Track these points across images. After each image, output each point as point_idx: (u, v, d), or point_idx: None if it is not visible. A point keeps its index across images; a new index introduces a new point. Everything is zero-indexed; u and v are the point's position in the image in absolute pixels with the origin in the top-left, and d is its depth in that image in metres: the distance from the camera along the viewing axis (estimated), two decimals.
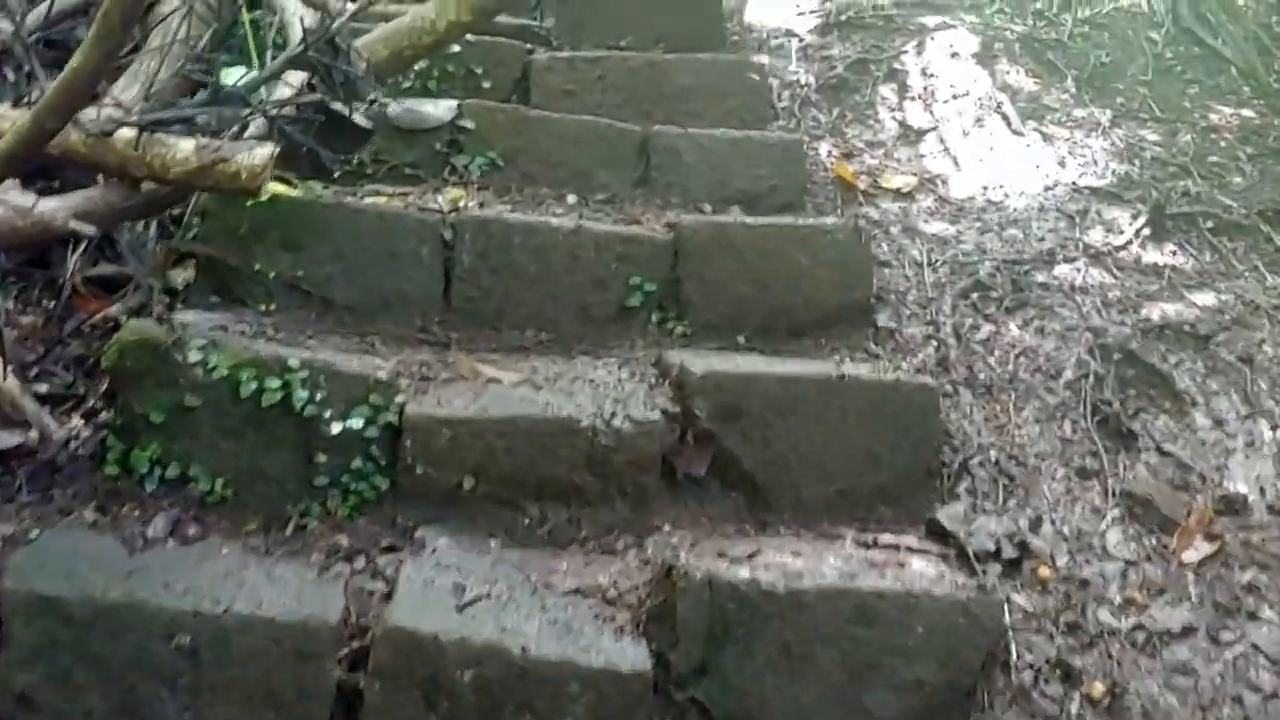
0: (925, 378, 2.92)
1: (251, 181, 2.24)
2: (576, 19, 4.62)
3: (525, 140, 3.74)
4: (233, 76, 2.73)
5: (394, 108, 3.66)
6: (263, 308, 3.02)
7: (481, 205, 3.43)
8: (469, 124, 3.71)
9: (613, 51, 4.45)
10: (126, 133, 2.27)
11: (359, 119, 2.56)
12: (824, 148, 4.13)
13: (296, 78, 2.61)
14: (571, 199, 3.69)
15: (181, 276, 3.03)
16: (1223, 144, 4.26)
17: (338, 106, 2.52)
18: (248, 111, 2.38)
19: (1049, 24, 4.81)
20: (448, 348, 3.04)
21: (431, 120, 3.68)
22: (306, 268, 3.06)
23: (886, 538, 2.61)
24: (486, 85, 4.13)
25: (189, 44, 2.64)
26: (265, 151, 2.26)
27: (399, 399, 2.61)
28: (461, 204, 3.40)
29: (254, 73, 2.58)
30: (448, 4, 3.18)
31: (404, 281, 3.12)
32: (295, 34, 3.10)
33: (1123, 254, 3.63)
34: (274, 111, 2.38)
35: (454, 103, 3.76)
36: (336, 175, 3.07)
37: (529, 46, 4.32)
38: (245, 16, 2.90)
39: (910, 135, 4.25)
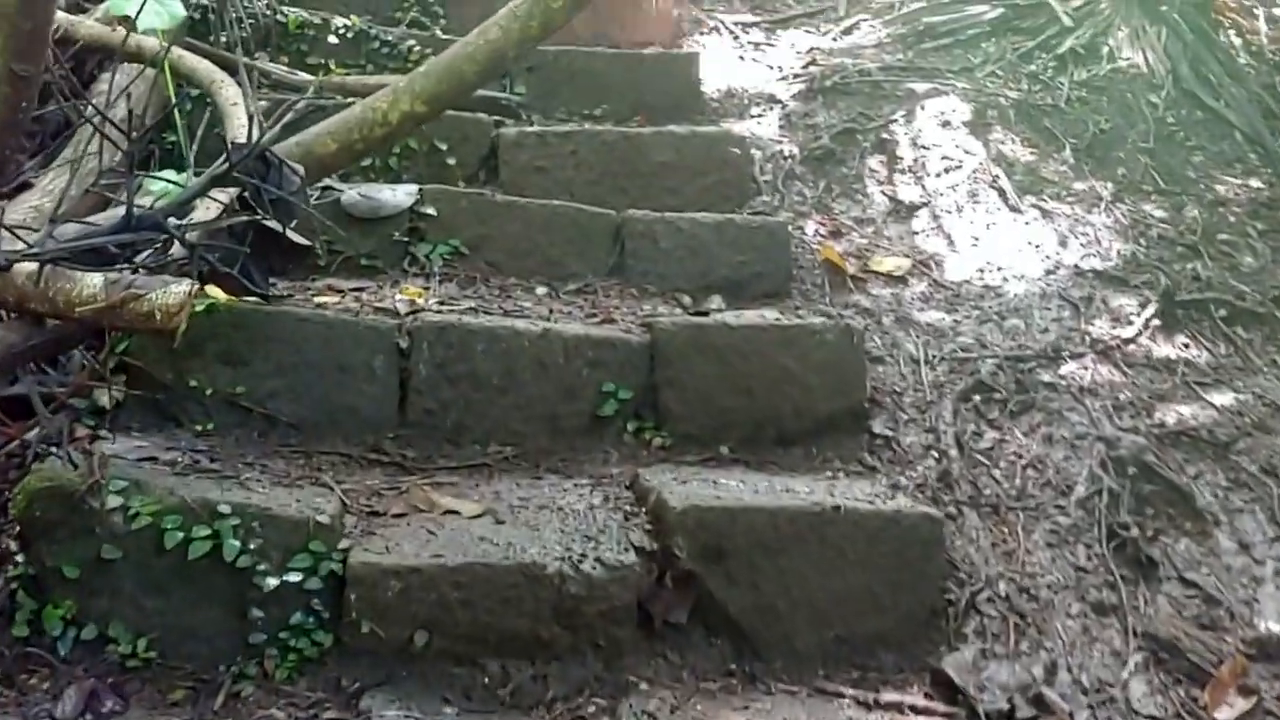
0: (928, 507, 2.66)
1: (167, 322, 1.97)
2: (548, 87, 4.38)
3: (491, 227, 3.49)
4: (157, 187, 2.47)
5: (348, 194, 3.40)
6: (199, 428, 2.75)
7: (442, 303, 3.17)
8: (430, 210, 3.46)
9: (586, 124, 4.21)
10: (28, 265, 2.01)
11: (295, 236, 2.30)
12: (810, 226, 3.88)
13: (229, 190, 2.35)
14: (541, 290, 3.44)
15: (109, 394, 2.76)
16: (1231, 219, 4.03)
17: (271, 223, 2.26)
18: (165, 239, 2.11)
19: (1044, 88, 4.58)
20: (403, 468, 2.78)
21: (389, 207, 3.42)
22: (247, 383, 2.80)
23: (889, 695, 2.35)
24: (451, 162, 3.88)
25: (116, 149, 2.38)
26: (182, 290, 1.99)
27: (343, 545, 2.34)
28: (421, 301, 3.14)
29: (178, 187, 2.32)
30: (400, 95, 2.93)
31: (355, 396, 2.85)
32: (237, 122, 2.84)
33: (1132, 348, 3.39)
34: (194, 238, 2.12)
35: (414, 187, 3.51)
36: (271, 295, 2.81)
37: (497, 119, 4.07)
38: (176, 114, 2.64)
39: (901, 211, 4.01)
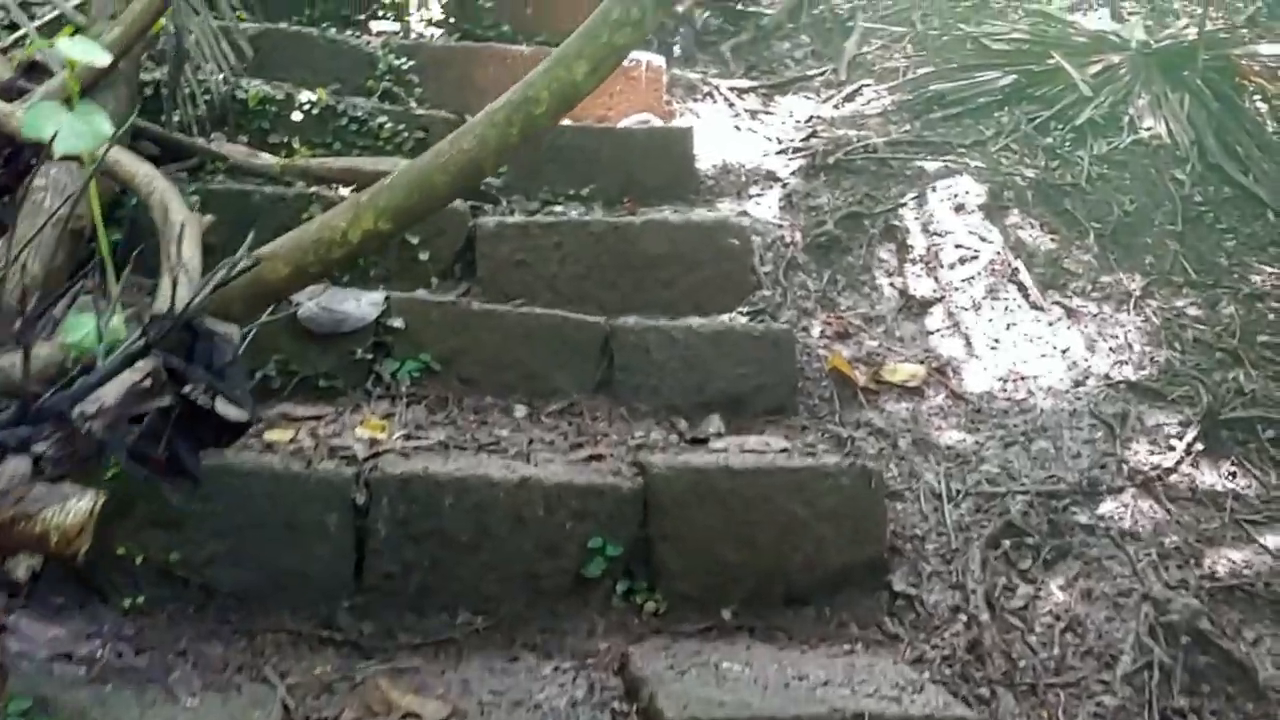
0: (964, 709, 2.29)
1: (65, 546, 1.62)
2: (532, 166, 4.02)
3: (466, 339, 3.13)
4: (74, 335, 2.10)
5: (307, 307, 3.04)
6: (127, 603, 2.40)
7: (408, 436, 2.81)
8: (398, 322, 3.10)
9: (573, 209, 3.86)
10: None
11: (229, 411, 1.93)
12: (815, 327, 3.53)
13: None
14: (520, 410, 3.08)
15: (25, 565, 2.38)
16: (1271, 315, 3.69)
17: (200, 399, 1.90)
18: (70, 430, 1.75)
19: (1062, 163, 4.23)
20: (358, 649, 2.42)
21: (353, 320, 3.06)
22: (183, 549, 2.43)
23: None
24: (424, 257, 3.52)
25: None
26: (83, 507, 1.63)
27: None
28: (383, 436, 2.77)
29: (110, 333, 1.96)
30: (363, 211, 2.57)
31: (305, 559, 2.49)
32: (167, 269, 2.48)
33: (1174, 478, 3.05)
34: (101, 428, 1.75)
35: (380, 296, 3.15)
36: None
37: (475, 205, 3.71)
38: (102, 242, 2.27)
39: (913, 307, 3.66)
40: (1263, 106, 4.67)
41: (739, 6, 5.38)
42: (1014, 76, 4.56)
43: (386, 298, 3.14)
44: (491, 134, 2.57)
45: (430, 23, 4.73)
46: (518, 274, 3.52)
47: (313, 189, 3.57)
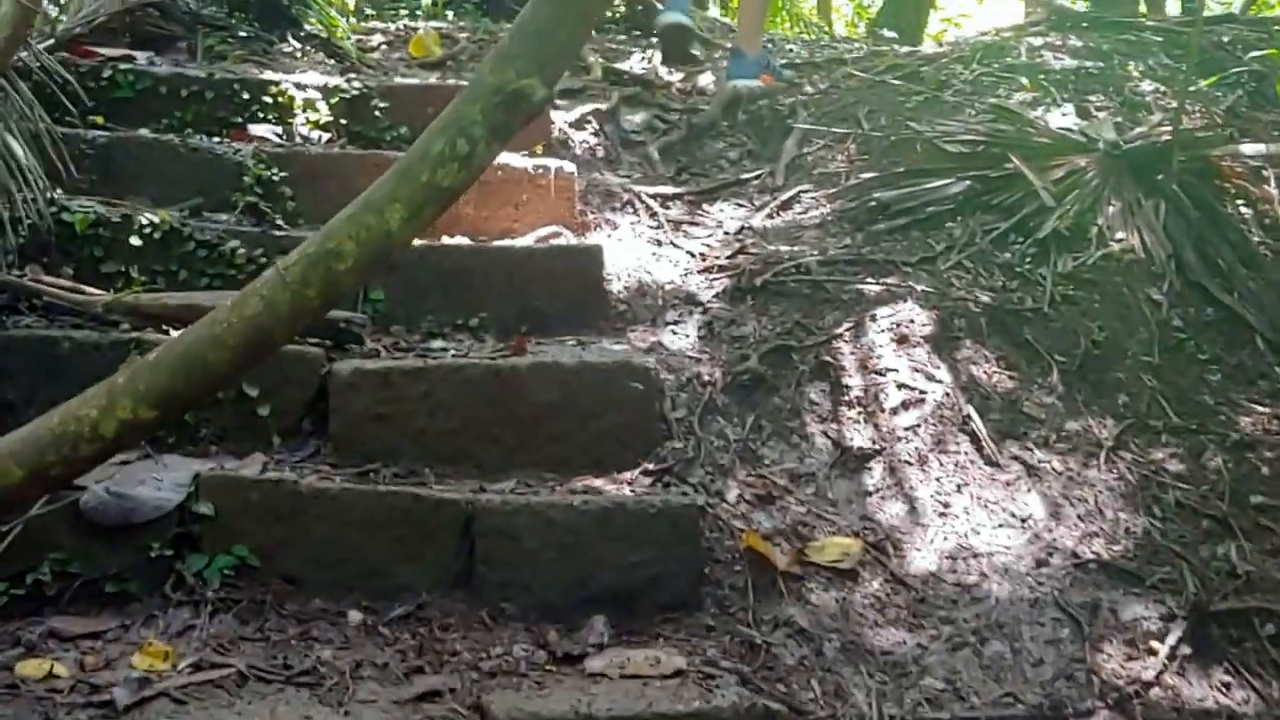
0: None
1: None
2: (413, 293, 3.47)
3: (293, 526, 2.55)
4: None
5: (92, 493, 2.45)
6: None
7: (197, 666, 2.22)
8: (207, 508, 2.52)
9: (450, 351, 3.29)
10: None
11: None
12: (733, 490, 2.97)
13: None
14: (355, 616, 2.50)
15: None
16: (1264, 469, 3.13)
17: None
18: None
19: (1022, 284, 3.69)
20: None
21: (148, 508, 2.48)
22: None
23: None
24: (264, 413, 2.95)
25: None
26: None
27: None
28: (165, 665, 2.18)
29: None
30: (118, 397, 2.00)
31: None
32: None
33: (1155, 692, 2.49)
34: None
35: (188, 474, 2.57)
36: None
37: (334, 346, 3.14)
38: None
39: (849, 462, 3.09)
40: (1246, 212, 4.15)
41: (667, 101, 4.85)
42: (968, 183, 4.02)
43: (195, 476, 2.56)
44: (282, 297, 2.01)
45: (317, 125, 4.18)
46: (378, 430, 2.95)
47: (136, 333, 3.01)
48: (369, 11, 7.42)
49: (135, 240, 3.35)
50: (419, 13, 7.56)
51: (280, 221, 3.65)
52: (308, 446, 2.96)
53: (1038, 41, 5.31)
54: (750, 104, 4.80)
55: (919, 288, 3.58)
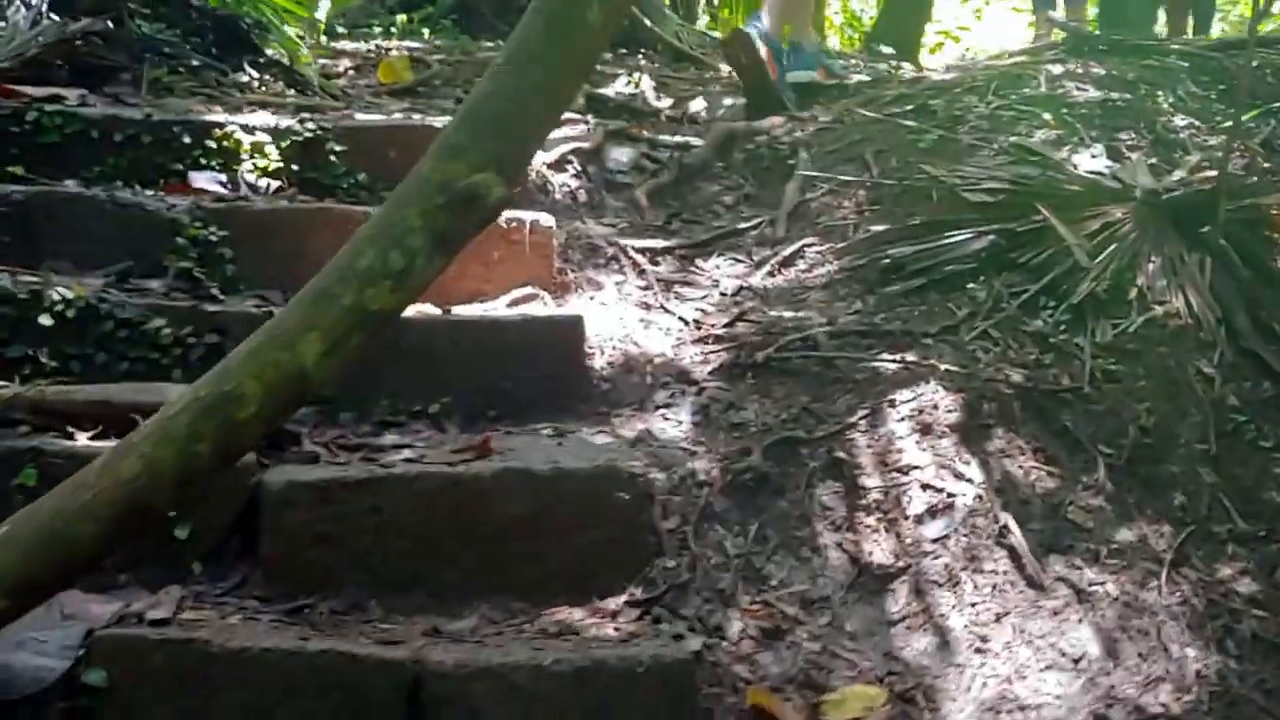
0: None
1: None
2: (364, 373, 2.99)
3: (205, 696, 2.08)
4: None
5: None
6: None
7: None
8: (100, 677, 2.03)
9: (405, 442, 2.82)
10: None
11: None
12: (734, 623, 2.50)
13: None
14: None
15: None
16: None
17: None
18: None
19: (1057, 357, 3.22)
20: None
21: (25, 681, 2.00)
22: None
23: None
24: (182, 535, 2.48)
25: None
26: None
27: None
28: None
29: None
30: None
31: None
32: None
33: None
34: None
35: (79, 632, 2.08)
36: None
37: (269, 445, 2.66)
38: None
39: (869, 583, 2.64)
40: None
41: (655, 136, 4.37)
42: (991, 237, 3.55)
43: (88, 635, 2.07)
44: (166, 454, 1.56)
45: (266, 172, 3.69)
46: (317, 554, 2.49)
47: (38, 438, 2.53)
48: (340, 30, 6.91)
49: (45, 319, 2.87)
50: (393, 29, 7.05)
51: (216, 291, 3.17)
52: (234, 574, 2.49)
53: (1057, 69, 4.83)
54: (747, 142, 4.32)
55: (942, 365, 3.10)
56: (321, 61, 5.64)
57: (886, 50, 8.21)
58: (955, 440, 2.93)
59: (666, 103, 5.60)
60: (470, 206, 1.58)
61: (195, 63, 4.75)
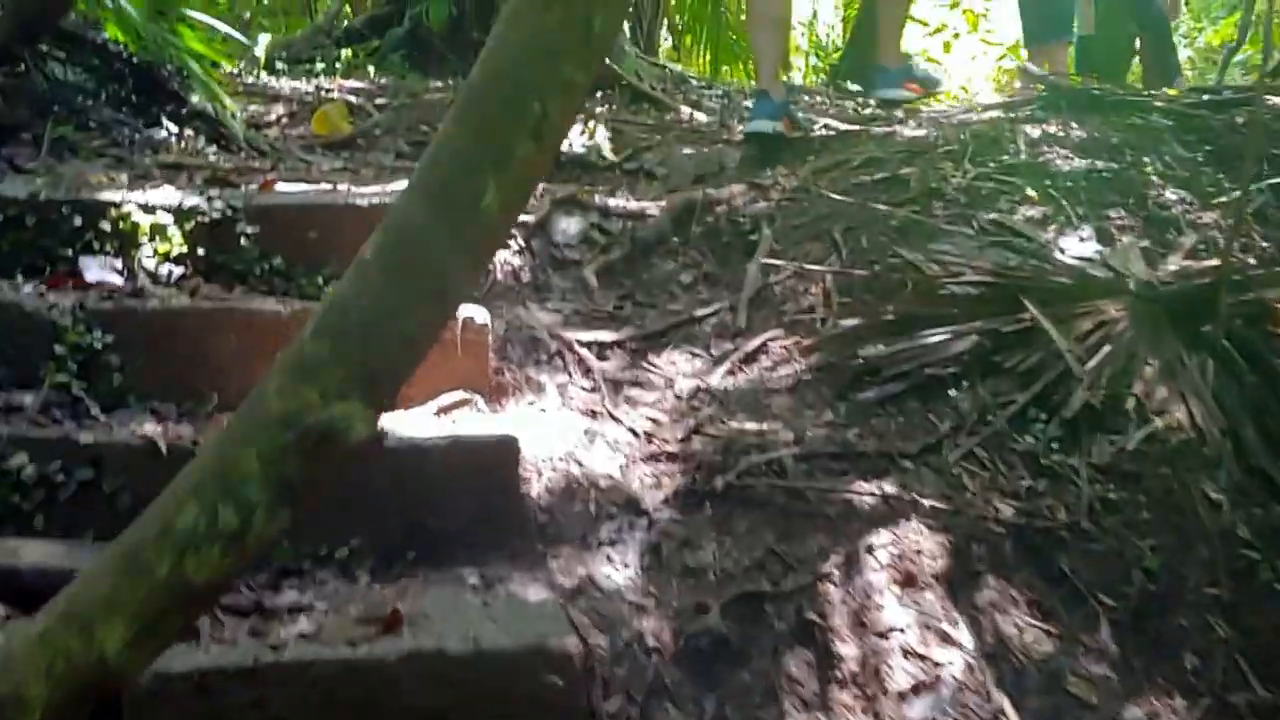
0: None
1: None
2: None
3: None
4: None
5: None
6: None
7: None
8: None
9: (305, 601, 2.39)
10: None
11: None
12: None
13: None
14: None
15: None
16: None
17: None
18: None
19: (1051, 483, 2.82)
20: None
21: None
22: None
23: None
24: None
25: None
26: None
27: None
28: None
29: None
30: None
31: None
32: None
33: None
34: None
35: None
36: None
37: None
38: None
39: None
40: None
41: (606, 204, 3.95)
42: (975, 337, 3.15)
43: None
44: None
45: (168, 258, 3.23)
46: None
47: None
48: (280, 65, 6.43)
49: None
50: (338, 64, 6.58)
51: (97, 413, 2.71)
52: None
53: (1035, 132, 4.44)
54: (706, 214, 3.90)
55: (925, 496, 2.70)
56: (253, 109, 5.18)
57: (853, 87, 7.83)
58: (941, 593, 2.52)
59: (623, 155, 5.19)
60: (326, 448, 1.16)
61: (107, 117, 4.27)
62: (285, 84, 6.01)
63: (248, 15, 9.06)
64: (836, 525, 2.66)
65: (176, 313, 2.96)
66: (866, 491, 2.72)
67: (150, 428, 2.74)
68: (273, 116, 5.17)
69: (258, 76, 6.27)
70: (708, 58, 9.24)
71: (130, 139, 4.21)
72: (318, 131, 4.93)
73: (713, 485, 2.76)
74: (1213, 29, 13.70)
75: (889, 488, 2.75)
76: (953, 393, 3.08)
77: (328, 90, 5.86)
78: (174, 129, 4.41)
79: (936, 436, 2.94)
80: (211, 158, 4.27)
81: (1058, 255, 3.53)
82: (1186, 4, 13.85)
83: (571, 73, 1.21)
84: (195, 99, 4.68)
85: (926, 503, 2.68)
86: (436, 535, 2.65)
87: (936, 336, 3.18)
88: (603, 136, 5.24)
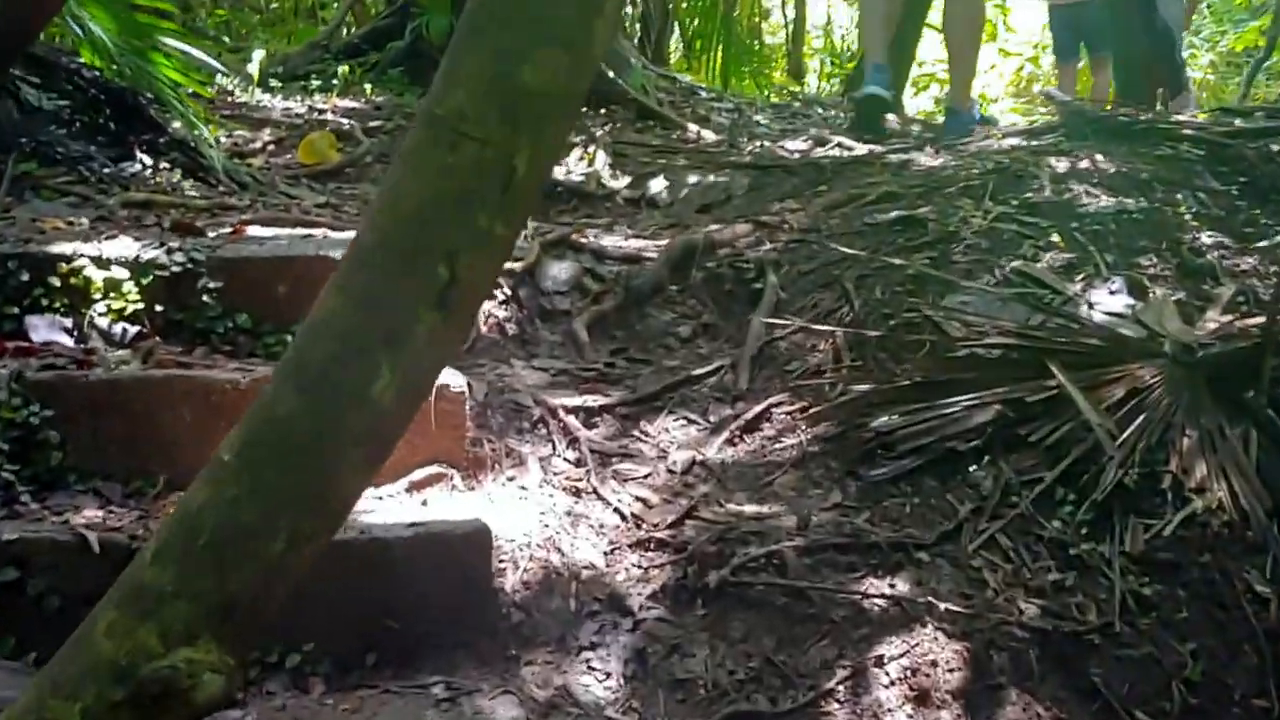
0: None
1: None
2: None
3: None
4: None
5: None
6: None
7: None
8: None
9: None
10: None
11: None
12: None
13: None
14: None
15: None
16: None
17: None
18: None
19: (1080, 577, 2.55)
20: None
21: None
22: None
23: None
24: None
25: None
26: None
27: None
28: None
29: None
30: None
31: None
32: None
33: None
34: None
35: None
36: None
37: None
38: None
39: None
40: None
41: (601, 248, 3.66)
42: (997, 407, 2.85)
43: None
44: None
45: (122, 316, 2.96)
46: None
47: None
48: (275, 82, 6.15)
49: None
50: (335, 81, 6.30)
51: (28, 498, 2.44)
52: None
53: (1060, 165, 4.13)
54: (706, 258, 3.61)
55: (941, 597, 2.40)
56: (238, 134, 4.91)
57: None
58: (958, 711, 2.23)
59: (624, 181, 4.91)
60: (168, 706, 0.88)
61: (76, 151, 4.00)
62: (277, 103, 5.74)
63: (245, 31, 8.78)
64: (843, 631, 2.37)
65: (124, 383, 2.68)
66: (877, 593, 2.43)
67: (90, 513, 2.49)
68: (259, 143, 4.90)
69: (251, 94, 5.99)
70: (718, 67, 8.91)
71: (99, 174, 3.94)
72: (304, 161, 4.66)
73: (706, 581, 2.48)
74: (1235, 33, 13.30)
75: (902, 585, 2.46)
76: (973, 468, 2.79)
77: (320, 111, 5.59)
78: (149, 161, 4.15)
79: (955, 521, 2.65)
80: (188, 192, 4.01)
81: (1086, 310, 3.23)
82: (1208, 8, 13.47)
83: (489, 224, 0.93)
84: (177, 126, 4.42)
85: (943, 605, 2.39)
86: (400, 637, 2.38)
87: (955, 405, 2.89)
88: (603, 162, 4.96)
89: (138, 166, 4.11)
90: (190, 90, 4.43)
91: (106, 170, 3.98)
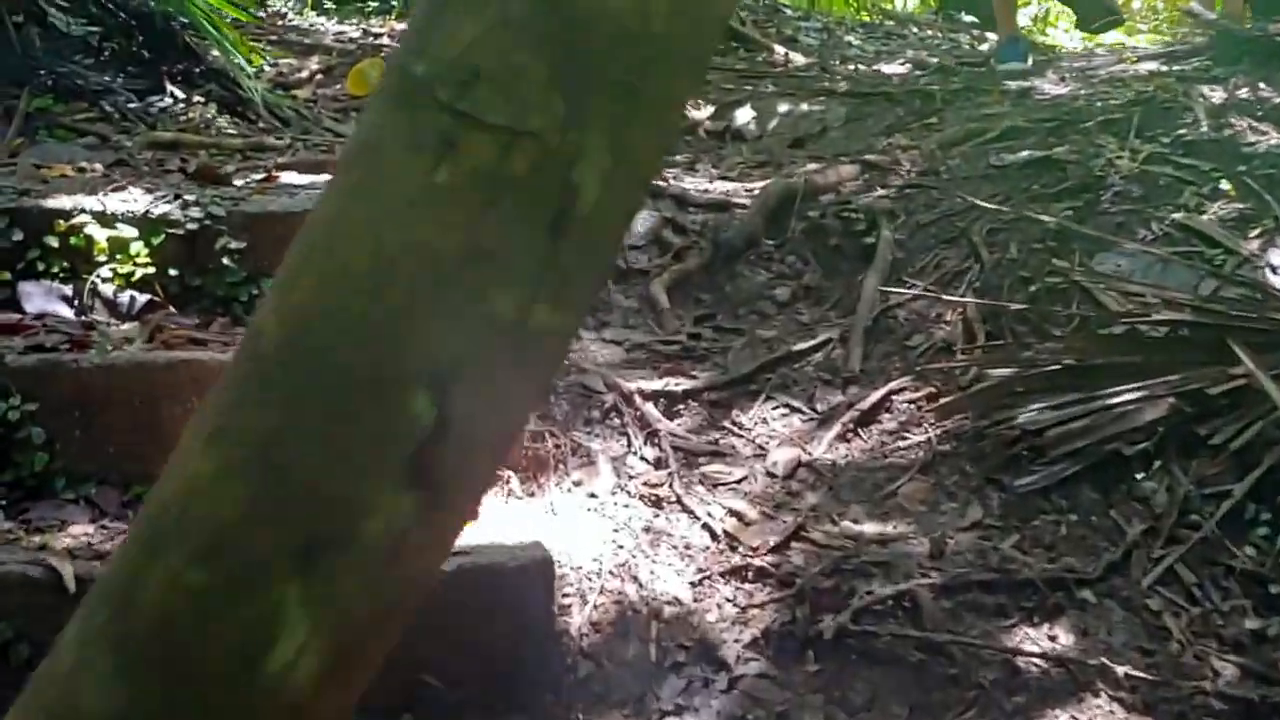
0: None
1: None
2: None
3: None
4: None
5: None
6: None
7: None
8: None
9: None
10: None
11: None
12: None
13: None
14: None
15: None
16: None
17: None
18: None
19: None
20: None
21: None
22: None
23: None
24: None
25: None
26: None
27: None
28: None
29: None
30: None
31: None
32: None
33: None
34: None
35: None
36: None
37: None
38: None
39: None
40: None
41: (685, 192, 3.10)
42: (1170, 400, 2.26)
43: None
44: None
45: (129, 281, 2.48)
46: None
47: None
48: (329, 5, 5.61)
49: None
50: (393, 3, 5.75)
51: (2, 514, 1.97)
52: None
53: (1216, 96, 3.47)
54: (808, 208, 3.03)
55: (1116, 666, 1.85)
56: (284, 63, 4.39)
57: (967, 19, 6.81)
58: None
59: (706, 111, 4.33)
60: None
61: (100, 83, 3.51)
62: (330, 27, 5.21)
63: None
64: (993, 700, 1.85)
65: (118, 371, 2.21)
66: (1035, 648, 1.89)
67: (78, 529, 2.04)
68: (305, 73, 4.38)
69: (305, 16, 5.46)
70: None
71: (123, 110, 3.45)
72: (354, 92, 4.13)
73: (820, 629, 1.95)
74: None
75: (1065, 637, 1.92)
76: (1141, 477, 2.23)
77: (376, 35, 5.05)
78: (181, 94, 3.65)
79: (1123, 547, 2.10)
80: (224, 130, 3.50)
81: (1270, 276, 2.61)
82: None
83: (516, 305, 0.41)
84: (213, 54, 3.91)
85: (1120, 670, 1.84)
86: (441, 697, 1.89)
87: (1117, 395, 2.31)
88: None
89: (168, 100, 3.62)
90: (229, 17, 3.91)
91: (132, 106, 3.50)
